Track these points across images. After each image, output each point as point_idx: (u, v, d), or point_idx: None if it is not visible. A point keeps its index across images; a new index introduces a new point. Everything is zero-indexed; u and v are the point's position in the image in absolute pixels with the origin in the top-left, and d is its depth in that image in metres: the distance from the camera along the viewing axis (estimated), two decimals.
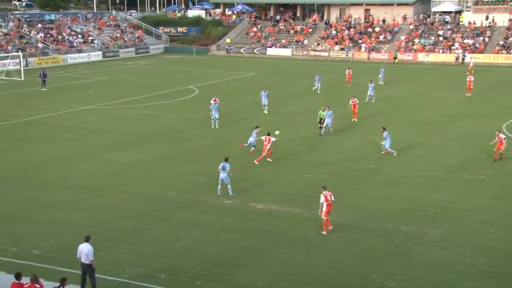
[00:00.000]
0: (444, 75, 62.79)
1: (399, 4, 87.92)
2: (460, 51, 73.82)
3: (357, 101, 38.74)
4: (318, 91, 50.27)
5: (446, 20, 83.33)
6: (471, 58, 64.97)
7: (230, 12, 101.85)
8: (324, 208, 20.22)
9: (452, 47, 75.61)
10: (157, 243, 19.67)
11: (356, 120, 38.29)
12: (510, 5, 79.51)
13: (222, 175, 23.82)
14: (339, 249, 19.22)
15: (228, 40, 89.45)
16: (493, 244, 19.43)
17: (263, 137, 28.96)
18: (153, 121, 39.50)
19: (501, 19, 78.30)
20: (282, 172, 27.85)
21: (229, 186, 24.02)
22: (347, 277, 17.31)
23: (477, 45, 74.50)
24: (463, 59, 71.67)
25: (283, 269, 17.76)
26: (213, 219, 21.87)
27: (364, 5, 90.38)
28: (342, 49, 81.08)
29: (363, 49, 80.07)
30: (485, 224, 21.13)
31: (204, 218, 21.96)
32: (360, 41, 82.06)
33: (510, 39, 73.57)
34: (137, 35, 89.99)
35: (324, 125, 34.25)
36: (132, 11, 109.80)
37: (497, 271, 17.47)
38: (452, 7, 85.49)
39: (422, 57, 75.00)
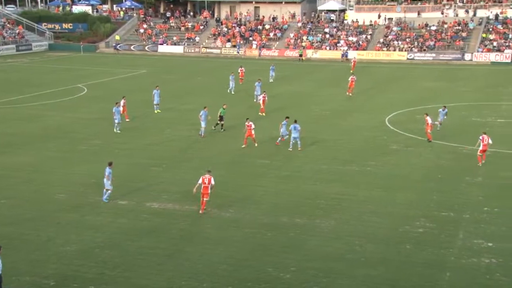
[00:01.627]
0: (332, 71, 65.25)
1: (287, 2, 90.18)
2: (346, 48, 77.09)
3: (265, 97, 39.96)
4: (233, 92, 48.56)
5: (332, 18, 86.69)
6: (354, 57, 67.18)
7: (118, 8, 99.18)
8: (201, 190, 21.35)
9: (338, 44, 78.76)
10: (47, 249, 18.78)
11: (263, 114, 39.16)
12: (389, 5, 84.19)
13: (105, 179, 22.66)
14: (236, 245, 19.38)
15: (117, 37, 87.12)
16: (379, 232, 20.48)
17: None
18: (41, 121, 37.67)
19: (381, 17, 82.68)
20: (177, 170, 27.62)
21: (105, 190, 22.96)
22: (243, 272, 17.51)
23: (360, 42, 78.17)
24: (346, 56, 74.91)
25: (179, 268, 17.63)
26: (106, 221, 21.24)
27: (253, 2, 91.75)
28: (234, 46, 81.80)
29: (254, 46, 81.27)
30: (373, 213, 22.22)
31: (96, 220, 21.27)
32: (251, 39, 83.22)
33: (389, 37, 77.92)
34: (17, 31, 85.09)
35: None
36: (10, 5, 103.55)
37: (383, 257, 18.44)
38: (337, 6, 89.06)
39: (310, 53, 77.44)
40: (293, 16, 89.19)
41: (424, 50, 74.10)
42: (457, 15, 79.59)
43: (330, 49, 78.45)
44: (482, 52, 70.99)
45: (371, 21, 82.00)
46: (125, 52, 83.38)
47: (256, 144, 31.22)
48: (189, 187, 25.10)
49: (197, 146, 32.15)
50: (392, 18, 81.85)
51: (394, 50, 75.04)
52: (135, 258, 18.29)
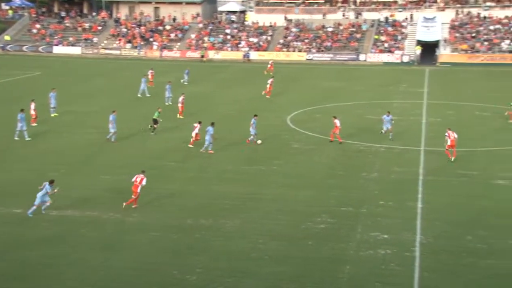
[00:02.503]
0: (235, 72, 65.76)
1: (187, 3, 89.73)
2: (247, 49, 78.00)
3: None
4: (147, 95, 47.77)
5: (233, 19, 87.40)
6: (271, 61, 66.08)
7: (7, 7, 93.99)
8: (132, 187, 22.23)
9: (239, 45, 79.52)
10: None
11: (181, 117, 38.71)
12: (287, 7, 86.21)
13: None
14: (141, 249, 19.10)
15: (7, 38, 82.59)
16: (283, 229, 20.97)
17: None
18: None
19: (280, 19, 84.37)
20: (76, 175, 26.72)
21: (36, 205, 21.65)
22: (148, 276, 17.30)
23: (261, 43, 79.41)
24: (248, 57, 75.85)
25: (80, 277, 17.10)
26: (1, 231, 20.17)
27: (153, 3, 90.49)
28: (135, 47, 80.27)
29: (155, 47, 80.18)
30: (277, 211, 22.71)
31: None
32: (151, 39, 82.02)
33: (289, 38, 79.81)
34: None
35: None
36: None
37: (286, 254, 18.91)
38: (237, 7, 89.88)
39: (212, 54, 77.58)
40: (194, 16, 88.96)
41: (322, 50, 76.55)
42: (357, 17, 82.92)
43: (231, 50, 79.02)
44: (375, 53, 74.42)
45: (271, 22, 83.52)
46: (16, 53, 79.25)
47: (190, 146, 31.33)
48: (89, 192, 24.37)
49: (97, 150, 31.27)
50: (292, 20, 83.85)
51: (294, 51, 76.93)
52: (34, 268, 17.53)
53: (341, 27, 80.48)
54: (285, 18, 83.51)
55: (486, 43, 72.69)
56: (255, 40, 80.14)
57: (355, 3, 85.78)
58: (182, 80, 54.37)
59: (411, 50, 73.46)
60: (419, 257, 18.51)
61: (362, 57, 73.96)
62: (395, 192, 24.79)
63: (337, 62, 73.41)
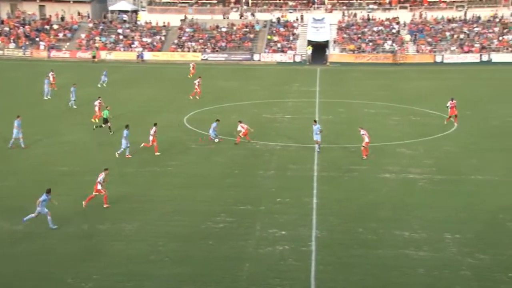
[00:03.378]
0: (129, 73, 64.34)
1: (75, 2, 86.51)
2: (141, 49, 76.61)
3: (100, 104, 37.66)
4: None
5: (124, 19, 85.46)
6: (193, 62, 63.80)
7: None
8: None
9: (132, 45, 77.93)
10: None
11: (96, 121, 37.08)
12: (181, 7, 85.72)
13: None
14: (35, 258, 18.27)
15: None
16: (182, 230, 20.88)
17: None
18: None
19: (174, 19, 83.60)
20: None
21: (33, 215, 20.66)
22: (42, 285, 16.57)
23: (155, 43, 78.34)
24: (142, 57, 74.59)
25: None
26: None
27: (38, 0, 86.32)
28: (19, 47, 76.13)
29: (42, 47, 76.56)
30: (175, 212, 22.56)
31: None
32: (37, 39, 78.24)
33: (183, 38, 79.41)
34: None
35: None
36: None
37: (186, 255, 18.87)
38: (128, 6, 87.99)
39: (104, 55, 75.39)
40: (84, 16, 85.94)
41: (217, 51, 76.91)
42: (246, 17, 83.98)
43: (124, 50, 77.28)
44: (268, 52, 75.94)
45: (164, 22, 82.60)
46: None
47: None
48: None
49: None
50: (185, 19, 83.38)
51: (189, 51, 76.65)
52: None
53: (234, 28, 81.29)
54: (185, 17, 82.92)
55: (370, 43, 76.56)
56: (148, 40, 78.95)
57: (247, 3, 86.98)
58: (100, 83, 52.43)
59: (303, 50, 75.75)
60: (315, 251, 19.17)
61: (256, 57, 75.17)
62: (291, 189, 25.46)
63: (232, 62, 74.08)
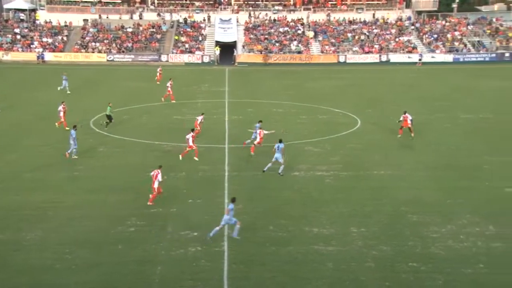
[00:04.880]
0: (29, 74, 61.53)
1: None
2: (41, 49, 73.41)
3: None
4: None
5: (22, 17, 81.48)
6: (160, 68, 59.89)
7: None
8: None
9: (31, 46, 74.51)
10: None
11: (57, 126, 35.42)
12: (83, 6, 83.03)
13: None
14: None
15: None
16: (91, 236, 20.24)
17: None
18: None
19: (76, 19, 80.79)
20: None
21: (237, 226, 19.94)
22: None
23: (56, 44, 75.36)
24: (43, 58, 71.60)
25: None
26: None
27: None
28: None
29: None
30: (83, 218, 21.81)
31: None
32: None
33: (86, 38, 76.97)
34: None
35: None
36: None
37: (96, 262, 18.32)
38: (26, 5, 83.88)
39: (1, 55, 71.57)
40: None
41: (123, 51, 75.20)
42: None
43: (23, 50, 73.75)
44: (176, 53, 75.30)
45: (66, 22, 79.64)
46: None
47: None
48: None
49: None
50: (88, 19, 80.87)
51: (93, 52, 74.43)
52: None
53: (140, 28, 79.87)
54: (100, 16, 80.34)
55: (277, 44, 77.95)
56: (49, 40, 75.81)
57: (153, 3, 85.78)
58: (60, 87, 49.45)
59: (211, 51, 75.78)
60: (227, 251, 19.23)
61: (164, 57, 74.29)
62: (203, 190, 25.39)
63: (139, 63, 72.80)
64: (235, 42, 77.10)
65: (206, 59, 74.30)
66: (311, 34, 79.84)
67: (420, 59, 74.01)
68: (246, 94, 51.23)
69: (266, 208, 23.27)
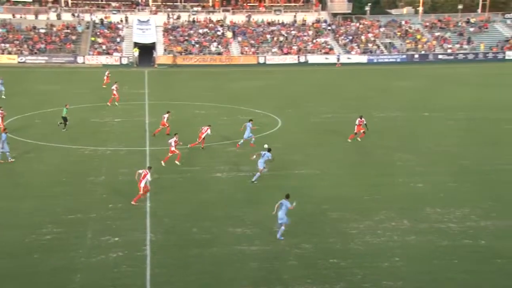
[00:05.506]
0: None
1: None
2: None
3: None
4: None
5: None
6: (108, 71, 57.39)
7: None
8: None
9: None
10: None
11: None
12: None
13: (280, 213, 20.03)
14: None
15: None
16: (4, 246, 19.35)
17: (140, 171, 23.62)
18: None
19: None
20: None
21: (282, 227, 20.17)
22: None
23: None
24: None
25: None
26: None
27: None
28: None
29: None
30: None
31: None
32: None
33: None
34: None
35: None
36: None
37: (8, 273, 17.57)
38: None
39: None
40: None
41: (36, 53, 72.37)
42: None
43: None
44: (93, 55, 73.33)
45: None
46: None
47: None
48: None
49: None
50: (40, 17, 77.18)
51: (3, 53, 71.08)
52: None
53: (54, 29, 77.16)
54: (13, 16, 76.59)
55: (197, 45, 77.71)
56: None
57: (67, 3, 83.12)
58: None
59: (130, 52, 74.41)
60: (149, 255, 18.95)
61: (80, 59, 72.25)
62: (123, 194, 24.85)
63: (54, 65, 70.37)
64: (154, 43, 76.11)
65: (124, 61, 72.89)
66: (229, 34, 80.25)
67: (338, 60, 76.16)
68: (166, 96, 50.71)
69: (189, 211, 23.13)
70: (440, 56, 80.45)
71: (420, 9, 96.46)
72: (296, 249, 19.61)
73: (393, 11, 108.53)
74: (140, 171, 23.50)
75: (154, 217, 22.18)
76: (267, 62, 76.15)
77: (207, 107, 45.49)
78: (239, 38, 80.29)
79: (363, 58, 78.65)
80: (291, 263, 18.63)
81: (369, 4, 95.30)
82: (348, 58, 77.71)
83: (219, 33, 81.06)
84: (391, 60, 79.26)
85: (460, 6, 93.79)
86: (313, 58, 77.29)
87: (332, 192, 25.50)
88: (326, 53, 78.49)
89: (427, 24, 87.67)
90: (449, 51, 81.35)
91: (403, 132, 37.12)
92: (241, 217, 22.41)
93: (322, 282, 17.44)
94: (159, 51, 75.26)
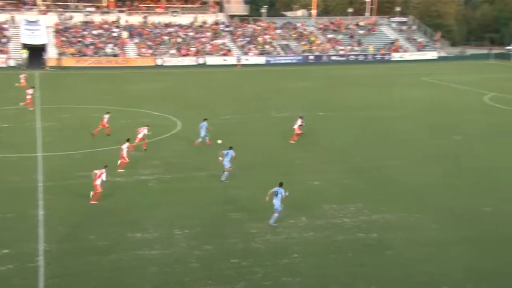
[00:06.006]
0: None
1: None
2: None
3: None
4: None
5: None
6: (24, 75, 53.30)
7: None
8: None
9: None
10: None
11: None
12: None
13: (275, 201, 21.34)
14: None
15: None
16: None
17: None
18: None
19: None
20: None
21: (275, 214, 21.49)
22: None
23: None
24: None
25: None
26: None
27: None
28: None
29: None
30: None
31: None
32: None
33: None
34: None
35: None
36: None
37: None
38: None
39: None
40: None
41: None
42: None
43: None
44: None
45: None
46: None
47: None
48: None
49: None
50: None
51: None
52: None
53: None
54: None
55: (92, 47, 75.34)
56: None
57: None
58: None
59: (18, 54, 70.73)
60: (43, 266, 18.12)
61: None
62: (14, 203, 23.62)
63: None
64: (44, 45, 72.84)
65: (11, 63, 69.18)
66: (125, 33, 78.57)
67: (239, 61, 76.89)
68: (60, 99, 48.78)
69: (86, 217, 22.38)
70: (333, 58, 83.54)
71: (314, 11, 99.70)
72: (198, 251, 19.57)
73: (288, 14, 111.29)
74: (97, 170, 23.55)
75: (47, 226, 21.23)
76: (165, 64, 75.39)
77: (104, 110, 44.11)
78: (136, 40, 78.81)
79: (261, 59, 79.96)
80: (192, 266, 18.56)
81: (265, 6, 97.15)
82: (246, 60, 78.69)
83: (114, 34, 79.08)
84: (287, 61, 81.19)
85: (350, 10, 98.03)
86: (211, 60, 77.48)
87: (232, 192, 25.71)
88: (225, 54, 78.99)
89: (321, 26, 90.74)
90: (341, 52, 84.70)
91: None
92: (141, 222, 22.02)
93: (223, 282, 17.54)
94: (50, 52, 72.12)
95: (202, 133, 33.17)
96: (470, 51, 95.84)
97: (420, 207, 23.92)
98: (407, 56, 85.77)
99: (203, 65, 76.54)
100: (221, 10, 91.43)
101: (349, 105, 48.04)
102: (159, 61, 75.51)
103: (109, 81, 61.40)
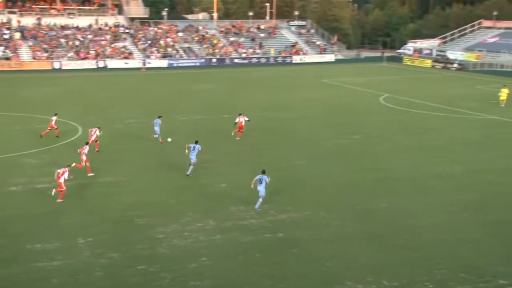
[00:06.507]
0: None
1: None
2: None
3: None
4: None
5: None
6: None
7: None
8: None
9: None
10: None
11: None
12: None
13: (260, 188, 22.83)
14: None
15: None
16: None
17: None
18: None
19: None
20: None
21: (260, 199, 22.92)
22: None
23: None
24: None
25: None
26: None
27: None
28: None
29: None
30: None
31: None
32: None
33: None
34: None
35: None
36: None
37: None
38: None
39: None
40: None
41: None
42: None
43: None
44: None
45: None
46: None
47: None
48: None
49: None
50: None
51: None
52: None
53: None
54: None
55: None
56: None
57: None
58: None
59: None
60: None
61: None
62: None
63: None
64: None
65: None
66: (18, 34, 74.83)
67: (144, 65, 75.58)
68: None
69: None
70: (236, 60, 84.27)
71: (215, 15, 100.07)
72: (103, 259, 18.98)
73: (190, 17, 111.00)
74: (59, 169, 24.12)
75: None
76: (63, 68, 72.62)
77: None
78: (30, 42, 75.24)
79: (164, 63, 79.12)
80: (97, 274, 17.96)
81: (166, 9, 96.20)
82: (149, 63, 77.54)
83: (6, 36, 75.06)
84: (190, 64, 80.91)
85: (250, 13, 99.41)
86: (112, 63, 75.59)
87: (138, 198, 25.20)
88: (126, 57, 77.33)
89: (222, 29, 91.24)
90: (243, 55, 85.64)
91: (205, 134, 38.07)
92: (41, 232, 21.04)
93: None
94: None
95: (157, 129, 34.48)
96: (364, 54, 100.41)
97: (325, 205, 24.65)
98: (307, 59, 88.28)
99: (104, 68, 74.51)
100: (120, 12, 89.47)
101: (253, 106, 48.61)
102: (56, 65, 72.61)
103: (1, 85, 58.15)
